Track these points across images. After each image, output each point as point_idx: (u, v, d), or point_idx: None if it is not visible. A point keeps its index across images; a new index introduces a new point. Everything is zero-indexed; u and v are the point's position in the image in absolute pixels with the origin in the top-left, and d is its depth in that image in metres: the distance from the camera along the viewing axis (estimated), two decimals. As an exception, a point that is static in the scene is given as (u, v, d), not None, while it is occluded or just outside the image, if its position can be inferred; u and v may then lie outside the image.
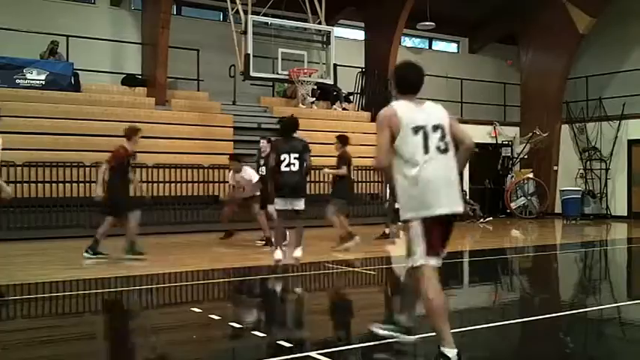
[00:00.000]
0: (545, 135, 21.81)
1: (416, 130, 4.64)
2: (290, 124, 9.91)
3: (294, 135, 9.84)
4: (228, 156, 13.46)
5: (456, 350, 4.47)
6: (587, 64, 22.24)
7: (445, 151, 4.66)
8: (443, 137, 4.69)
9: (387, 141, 4.66)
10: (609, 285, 9.64)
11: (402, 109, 4.77)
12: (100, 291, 8.31)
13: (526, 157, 22.51)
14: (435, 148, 4.62)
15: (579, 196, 20.68)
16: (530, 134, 22.06)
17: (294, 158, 9.44)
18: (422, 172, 4.54)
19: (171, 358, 5.47)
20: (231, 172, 12.82)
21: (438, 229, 4.58)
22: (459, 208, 4.64)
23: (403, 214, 4.63)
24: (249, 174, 12.32)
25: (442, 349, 4.51)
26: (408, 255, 4.65)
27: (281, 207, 9.56)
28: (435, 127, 4.71)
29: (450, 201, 4.59)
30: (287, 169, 9.37)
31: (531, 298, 8.56)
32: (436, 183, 4.54)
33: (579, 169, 21.85)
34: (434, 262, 4.59)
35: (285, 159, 9.41)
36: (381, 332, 5.26)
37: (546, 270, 11.20)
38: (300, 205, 9.57)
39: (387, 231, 13.57)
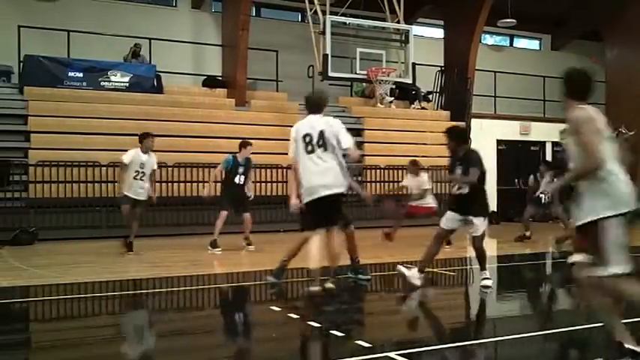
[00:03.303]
0: (631, 133, 20.99)
1: None
2: (458, 135, 8.44)
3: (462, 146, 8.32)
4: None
5: None
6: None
7: None
8: None
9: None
10: None
11: None
12: (185, 289, 8.44)
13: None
14: None
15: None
16: (616, 133, 21.29)
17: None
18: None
19: (252, 355, 5.49)
20: (408, 174, 13.06)
21: None
22: None
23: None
24: (422, 181, 12.60)
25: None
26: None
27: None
28: None
29: None
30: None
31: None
32: None
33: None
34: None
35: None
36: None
37: None
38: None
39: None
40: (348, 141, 7.22)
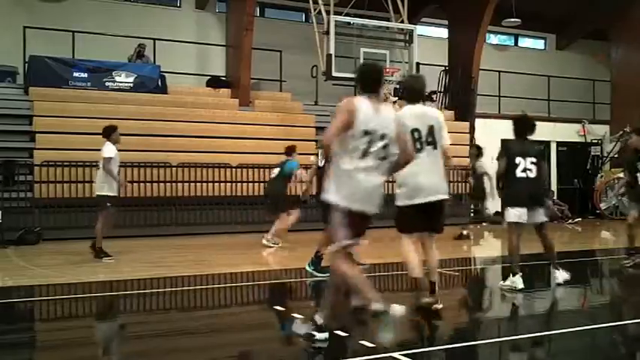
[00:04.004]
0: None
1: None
2: (526, 125, 8.43)
3: (528, 137, 8.32)
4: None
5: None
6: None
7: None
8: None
9: None
10: None
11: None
12: (189, 288, 8.46)
13: (616, 156, 21.70)
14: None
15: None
16: (621, 132, 21.24)
17: (531, 163, 7.87)
18: None
19: (256, 355, 5.50)
20: None
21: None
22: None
23: None
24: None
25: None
26: None
27: (516, 219, 7.76)
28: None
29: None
30: (523, 174, 7.75)
31: (620, 302, 8.21)
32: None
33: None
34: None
35: (519, 163, 7.82)
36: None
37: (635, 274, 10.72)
38: (543, 217, 7.97)
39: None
40: (448, 139, 6.43)
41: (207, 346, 5.55)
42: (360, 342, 5.28)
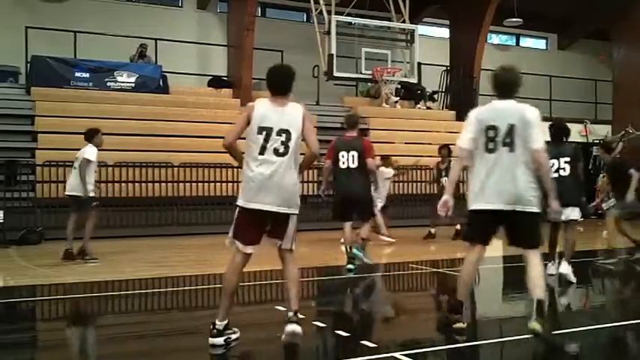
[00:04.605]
0: (639, 133, 20.96)
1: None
2: (560, 129, 8.84)
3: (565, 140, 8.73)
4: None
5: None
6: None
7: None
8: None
9: None
10: None
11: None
12: (190, 288, 8.47)
13: (618, 156, 21.67)
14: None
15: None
16: (623, 132, 21.25)
17: (565, 162, 8.27)
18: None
19: (257, 355, 5.51)
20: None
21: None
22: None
23: None
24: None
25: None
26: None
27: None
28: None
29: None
30: (556, 174, 7.87)
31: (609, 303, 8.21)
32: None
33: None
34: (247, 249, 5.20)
35: (553, 164, 7.95)
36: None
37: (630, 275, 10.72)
38: (574, 214, 8.49)
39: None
40: (538, 141, 5.43)
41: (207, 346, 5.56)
42: (362, 342, 5.30)
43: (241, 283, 8.61)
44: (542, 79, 21.88)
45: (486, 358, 5.49)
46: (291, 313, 5.16)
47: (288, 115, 5.17)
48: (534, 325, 5.13)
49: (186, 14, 19.25)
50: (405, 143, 17.85)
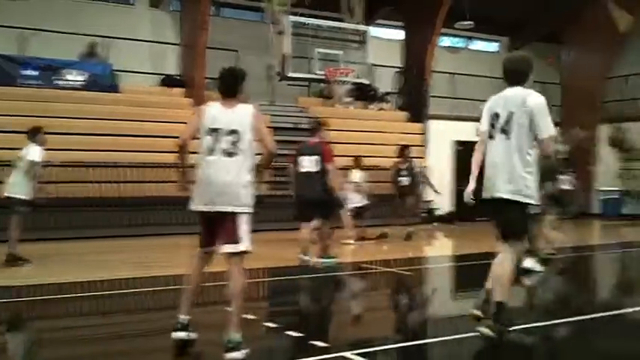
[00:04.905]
0: (584, 135, 21.42)
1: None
2: None
3: None
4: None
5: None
6: (630, 63, 21.78)
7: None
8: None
9: None
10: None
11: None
12: (132, 291, 8.38)
13: (567, 157, 22.11)
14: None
15: (618, 196, 20.53)
16: (569, 134, 21.67)
17: None
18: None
19: (206, 357, 5.47)
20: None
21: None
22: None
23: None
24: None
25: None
26: None
27: None
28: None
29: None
30: None
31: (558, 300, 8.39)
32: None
33: (618, 169, 21.52)
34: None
35: None
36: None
37: (576, 271, 10.98)
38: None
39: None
40: (546, 129, 5.26)
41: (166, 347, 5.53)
42: (313, 342, 5.31)
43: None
44: (493, 82, 22.16)
45: (435, 356, 5.56)
46: (227, 338, 4.95)
47: (238, 115, 5.22)
48: (484, 330, 5.27)
49: (138, 12, 18.97)
50: (358, 144, 17.95)
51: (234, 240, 5.06)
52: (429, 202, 17.98)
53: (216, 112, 5.25)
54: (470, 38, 24.92)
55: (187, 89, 17.61)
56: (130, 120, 15.58)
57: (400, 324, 6.69)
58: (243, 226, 5.11)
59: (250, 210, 5.17)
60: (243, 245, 5.08)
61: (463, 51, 24.32)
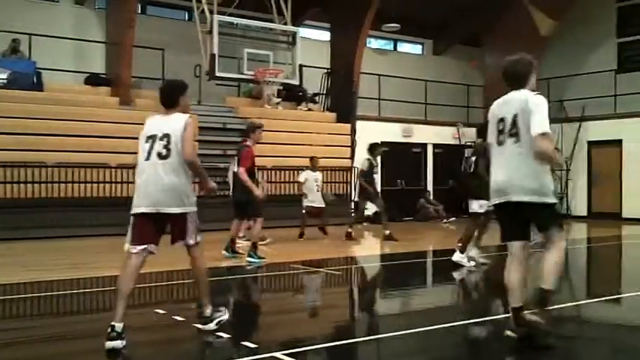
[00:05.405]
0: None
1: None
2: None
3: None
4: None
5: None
6: (551, 66, 22.53)
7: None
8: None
9: None
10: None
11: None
12: (61, 293, 8.25)
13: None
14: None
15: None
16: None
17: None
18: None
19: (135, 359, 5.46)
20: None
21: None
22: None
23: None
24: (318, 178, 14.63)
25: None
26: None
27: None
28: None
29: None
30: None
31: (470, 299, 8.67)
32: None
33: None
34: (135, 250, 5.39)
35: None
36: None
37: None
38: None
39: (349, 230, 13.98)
40: (538, 126, 5.11)
41: (73, 351, 5.48)
42: (242, 343, 5.36)
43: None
44: (418, 83, 22.62)
45: (364, 354, 5.68)
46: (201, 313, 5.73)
47: (172, 121, 5.48)
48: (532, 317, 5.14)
49: (62, 9, 18.55)
50: (286, 144, 18.07)
51: (189, 235, 5.51)
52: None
53: (154, 121, 5.59)
54: (396, 41, 25.34)
55: (113, 88, 17.35)
56: (55, 119, 15.25)
57: (330, 323, 6.81)
58: (190, 224, 5.49)
59: (193, 208, 5.51)
60: (195, 239, 5.57)
61: (390, 53, 24.70)
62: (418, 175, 22.25)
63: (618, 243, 15.25)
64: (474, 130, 22.98)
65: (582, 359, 5.52)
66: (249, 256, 10.15)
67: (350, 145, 19.49)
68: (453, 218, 20.28)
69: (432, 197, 21.61)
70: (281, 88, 19.42)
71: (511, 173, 5.24)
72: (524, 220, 5.29)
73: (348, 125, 19.97)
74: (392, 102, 21.61)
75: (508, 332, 5.25)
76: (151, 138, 5.45)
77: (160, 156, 5.36)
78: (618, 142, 21.07)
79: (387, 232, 13.76)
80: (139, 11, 18.83)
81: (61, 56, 17.54)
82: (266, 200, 10.50)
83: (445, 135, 22.35)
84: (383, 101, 21.64)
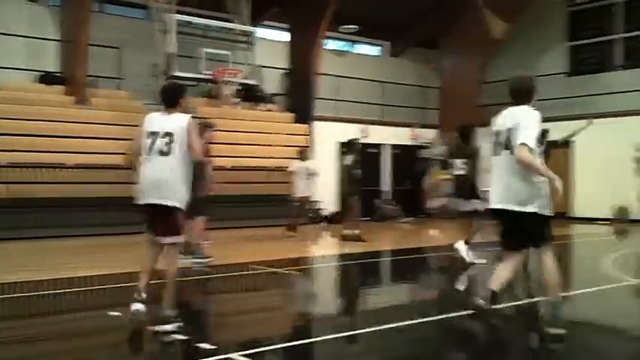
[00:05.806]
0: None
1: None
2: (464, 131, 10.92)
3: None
4: None
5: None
6: (505, 68, 22.82)
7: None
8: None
9: None
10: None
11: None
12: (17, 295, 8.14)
13: (442, 157, 22.94)
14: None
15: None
16: (447, 137, 22.48)
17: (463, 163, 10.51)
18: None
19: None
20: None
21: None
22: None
23: None
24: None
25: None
26: None
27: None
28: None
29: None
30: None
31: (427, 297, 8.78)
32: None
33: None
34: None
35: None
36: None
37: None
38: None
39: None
40: (521, 137, 5.34)
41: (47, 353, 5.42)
42: (200, 344, 5.35)
43: (76, 289, 8.45)
44: (376, 85, 22.76)
45: (321, 354, 5.72)
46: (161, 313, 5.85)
47: (173, 121, 5.91)
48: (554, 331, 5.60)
49: (14, 6, 18.17)
50: (244, 144, 18.04)
51: (171, 231, 5.91)
52: (316, 202, 18.22)
53: (155, 119, 6.02)
54: (354, 42, 25.44)
55: (68, 86, 17.09)
56: (8, 118, 14.98)
57: (287, 323, 6.83)
58: (177, 220, 5.90)
59: (183, 205, 5.92)
60: (177, 239, 6.00)
61: (348, 54, 24.80)
62: (375, 175, 22.38)
63: (569, 242, 15.57)
64: (429, 130, 23.41)
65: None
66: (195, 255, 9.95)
67: (307, 145, 19.52)
68: (410, 218, 20.45)
69: (390, 197, 21.76)
70: (240, 88, 19.37)
71: (505, 183, 5.57)
72: (518, 228, 5.62)
73: (306, 126, 20.02)
74: (349, 103, 21.71)
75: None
76: (153, 135, 5.86)
77: (162, 153, 5.79)
78: (569, 144, 21.41)
79: (357, 231, 13.90)
80: (95, 9, 18.57)
81: (14, 54, 17.22)
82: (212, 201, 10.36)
83: (402, 136, 22.52)
84: (341, 102, 21.71)
